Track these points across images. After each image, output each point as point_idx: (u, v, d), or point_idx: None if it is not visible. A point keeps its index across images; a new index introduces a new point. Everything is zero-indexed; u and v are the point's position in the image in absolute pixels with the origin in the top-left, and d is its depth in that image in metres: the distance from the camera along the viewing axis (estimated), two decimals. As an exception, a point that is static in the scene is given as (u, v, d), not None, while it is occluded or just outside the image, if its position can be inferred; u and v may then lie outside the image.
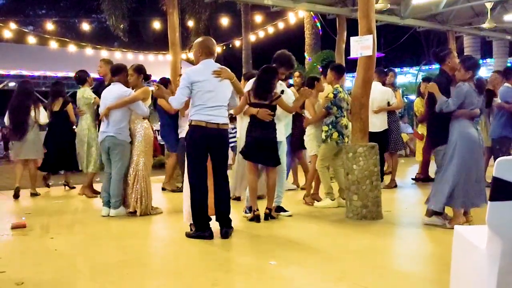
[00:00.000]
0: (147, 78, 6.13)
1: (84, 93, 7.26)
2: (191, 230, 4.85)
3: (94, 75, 7.97)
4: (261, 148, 5.37)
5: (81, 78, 7.36)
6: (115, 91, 5.90)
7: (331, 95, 6.16)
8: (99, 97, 6.79)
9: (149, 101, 6.05)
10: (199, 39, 4.95)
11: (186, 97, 4.67)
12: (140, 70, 6.01)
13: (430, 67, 18.94)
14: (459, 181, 4.80)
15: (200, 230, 4.70)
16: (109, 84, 6.32)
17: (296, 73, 7.90)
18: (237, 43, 18.33)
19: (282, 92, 5.61)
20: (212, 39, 4.94)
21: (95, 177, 7.61)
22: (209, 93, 4.64)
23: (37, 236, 5.03)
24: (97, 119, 7.06)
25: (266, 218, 5.45)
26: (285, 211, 5.74)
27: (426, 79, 8.12)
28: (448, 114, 4.89)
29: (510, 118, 6.51)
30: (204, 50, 4.78)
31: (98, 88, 7.32)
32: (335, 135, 6.15)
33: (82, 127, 7.29)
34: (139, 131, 5.90)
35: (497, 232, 2.39)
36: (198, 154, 4.70)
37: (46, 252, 4.42)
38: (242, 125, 5.76)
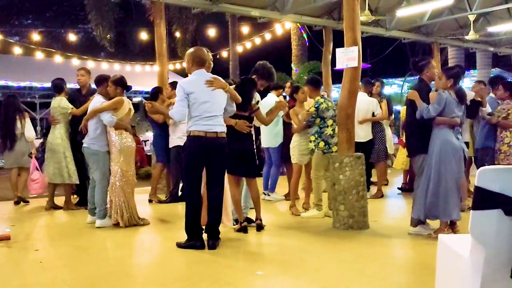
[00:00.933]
0: (127, 89, 6.06)
1: (61, 102, 7.04)
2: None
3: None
4: (241, 160, 5.35)
5: (59, 86, 7.17)
6: (92, 103, 6.13)
7: (313, 109, 6.27)
8: (76, 106, 7.02)
9: (124, 111, 5.90)
10: (191, 50, 4.94)
11: (186, 108, 4.66)
12: (116, 82, 5.95)
13: (416, 78, 19.16)
14: (441, 190, 4.84)
15: (192, 240, 4.71)
16: (87, 94, 6.60)
17: (288, 83, 7.99)
18: (224, 53, 18.40)
19: (257, 103, 5.64)
20: (204, 49, 4.95)
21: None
22: (205, 104, 4.65)
23: (21, 248, 4.96)
24: (70, 130, 7.11)
25: (258, 229, 5.47)
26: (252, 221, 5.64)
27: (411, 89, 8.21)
28: (428, 121, 4.95)
29: (492, 129, 6.60)
30: (195, 60, 4.79)
31: (74, 96, 7.29)
32: (321, 144, 6.22)
33: (55, 136, 7.02)
34: (116, 141, 5.84)
35: (480, 240, 2.42)
36: (196, 165, 4.73)
37: (31, 264, 4.37)
38: None
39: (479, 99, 6.64)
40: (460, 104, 5.02)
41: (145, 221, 5.98)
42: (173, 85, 7.91)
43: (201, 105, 4.64)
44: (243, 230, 5.37)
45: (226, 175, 5.28)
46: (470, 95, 6.43)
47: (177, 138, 7.42)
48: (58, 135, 7.03)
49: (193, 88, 4.66)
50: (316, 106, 6.26)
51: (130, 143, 5.93)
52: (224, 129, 4.82)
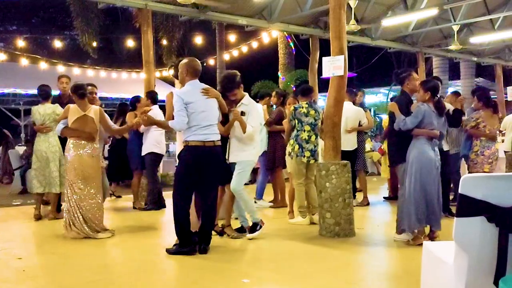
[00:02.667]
0: (81, 96, 5.82)
1: (57, 109, 6.82)
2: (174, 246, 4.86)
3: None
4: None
5: (47, 93, 6.93)
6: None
7: (292, 108, 6.37)
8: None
9: (72, 119, 5.73)
10: (185, 60, 4.99)
11: (187, 118, 4.70)
12: (71, 89, 5.94)
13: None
14: (419, 200, 4.88)
15: (183, 246, 4.75)
16: (68, 101, 6.44)
17: (273, 92, 8.02)
18: (211, 61, 18.41)
19: (243, 113, 5.38)
20: (197, 60, 5.03)
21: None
22: (202, 113, 4.76)
23: (4, 257, 4.89)
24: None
25: (220, 234, 5.54)
26: (244, 231, 5.61)
27: (394, 99, 8.33)
28: (407, 133, 5.02)
29: (470, 138, 6.76)
30: (190, 71, 4.87)
31: (53, 103, 7.00)
32: (296, 147, 6.23)
33: (51, 144, 6.75)
34: (67, 151, 5.77)
35: (464, 247, 2.45)
36: (192, 174, 4.78)
37: (14, 272, 4.30)
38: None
39: (460, 108, 6.75)
40: (439, 116, 5.06)
41: (107, 232, 5.74)
42: (150, 94, 7.88)
43: (199, 114, 4.74)
44: (218, 234, 5.50)
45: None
46: (450, 106, 6.57)
47: (151, 145, 7.48)
48: (55, 142, 6.78)
49: (191, 98, 4.74)
50: (295, 107, 6.35)
51: (81, 152, 5.68)
52: (219, 137, 4.94)
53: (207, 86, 4.93)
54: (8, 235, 5.92)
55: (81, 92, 5.79)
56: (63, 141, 6.56)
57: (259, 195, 7.83)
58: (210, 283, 3.94)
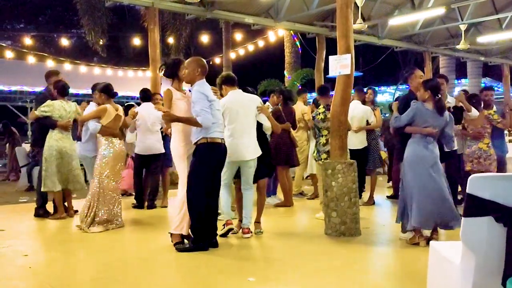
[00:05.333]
0: (112, 96, 6.14)
1: (77, 107, 6.73)
2: (177, 242, 4.90)
3: (73, 90, 7.89)
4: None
5: (67, 89, 6.75)
6: (86, 110, 6.40)
7: (310, 119, 6.69)
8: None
9: (109, 118, 5.98)
10: (193, 58, 5.03)
11: (211, 115, 4.74)
12: (101, 89, 6.10)
13: (407, 86, 19.33)
14: (413, 199, 4.86)
15: (198, 242, 4.80)
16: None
17: (272, 94, 8.03)
18: (217, 60, 18.41)
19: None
20: (204, 59, 5.09)
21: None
22: (218, 112, 4.95)
23: (10, 253, 4.91)
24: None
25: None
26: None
27: (398, 99, 8.34)
28: (399, 130, 5.14)
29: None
30: (202, 70, 4.93)
31: (43, 99, 6.75)
32: (315, 153, 6.44)
33: (71, 142, 6.66)
34: (103, 147, 6.01)
35: (471, 247, 2.43)
36: (212, 170, 4.85)
37: (20, 269, 4.32)
38: None
39: (461, 105, 6.72)
40: (439, 115, 5.02)
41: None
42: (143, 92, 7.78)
43: (217, 112, 4.90)
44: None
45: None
46: (453, 101, 6.55)
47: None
48: (72, 141, 6.69)
49: (212, 96, 4.86)
50: (313, 115, 6.48)
51: (117, 148, 6.04)
52: None
53: (213, 86, 5.09)
54: (14, 232, 5.95)
55: (113, 92, 6.14)
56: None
57: (272, 192, 7.88)
58: (216, 281, 3.94)
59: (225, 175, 5.35)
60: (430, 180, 4.86)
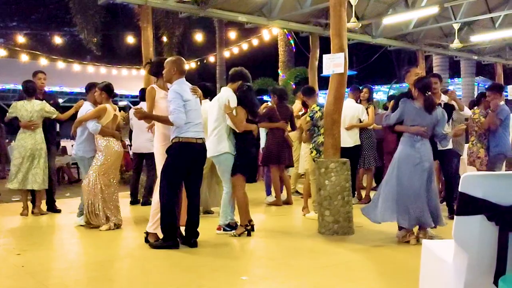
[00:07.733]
0: (112, 96, 6.17)
1: (46, 106, 6.74)
2: (155, 240, 4.97)
3: (66, 88, 7.86)
4: (255, 165, 5.76)
5: (34, 89, 6.79)
6: (81, 110, 6.25)
7: (308, 119, 6.48)
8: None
9: (108, 118, 5.99)
10: (172, 58, 5.06)
11: (185, 114, 4.74)
12: (102, 88, 6.06)
13: (401, 85, 19.37)
14: (398, 197, 4.89)
15: (168, 240, 4.83)
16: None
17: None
18: (211, 59, 18.39)
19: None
20: (183, 59, 5.10)
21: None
22: (195, 111, 4.89)
23: (2, 252, 4.88)
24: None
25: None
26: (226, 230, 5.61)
27: (391, 97, 8.43)
28: (389, 128, 5.26)
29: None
30: (179, 69, 4.94)
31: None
32: (314, 153, 6.40)
33: (37, 141, 6.65)
34: (102, 147, 5.98)
35: (463, 246, 2.44)
36: (182, 170, 4.86)
37: (12, 268, 4.30)
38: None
39: (453, 102, 6.72)
40: (427, 114, 5.01)
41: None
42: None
43: (193, 112, 4.84)
44: (248, 232, 5.45)
45: (232, 178, 5.43)
46: (446, 99, 6.56)
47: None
48: (40, 139, 6.72)
49: (187, 95, 4.83)
50: (310, 115, 6.44)
51: (116, 148, 6.03)
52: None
53: (193, 86, 5.08)
54: (7, 231, 5.92)
55: (114, 93, 6.18)
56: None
57: (268, 191, 7.94)
58: (209, 280, 3.93)
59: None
60: (410, 178, 4.90)
